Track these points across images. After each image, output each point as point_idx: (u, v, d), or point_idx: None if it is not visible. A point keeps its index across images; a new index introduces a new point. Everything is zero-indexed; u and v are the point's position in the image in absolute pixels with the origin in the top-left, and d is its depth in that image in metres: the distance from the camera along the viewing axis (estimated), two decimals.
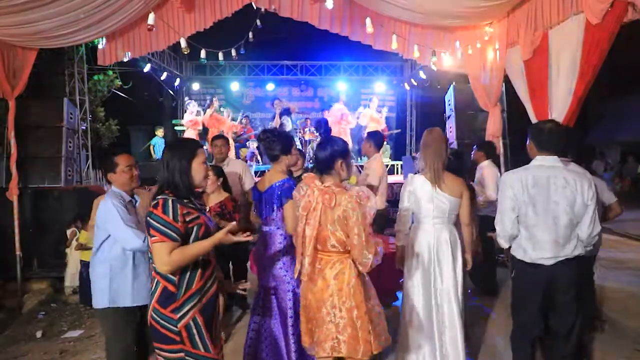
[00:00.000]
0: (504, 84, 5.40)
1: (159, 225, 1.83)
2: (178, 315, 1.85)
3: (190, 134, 8.95)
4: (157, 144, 10.12)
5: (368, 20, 5.34)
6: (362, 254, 2.07)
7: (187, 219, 1.89)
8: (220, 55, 6.54)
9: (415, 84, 10.99)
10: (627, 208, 3.57)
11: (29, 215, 5.34)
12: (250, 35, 6.51)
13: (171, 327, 1.85)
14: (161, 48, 6.18)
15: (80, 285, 4.75)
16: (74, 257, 4.98)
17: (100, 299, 2.56)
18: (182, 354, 1.86)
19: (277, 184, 2.68)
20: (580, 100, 4.06)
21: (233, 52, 6.57)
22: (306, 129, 9.21)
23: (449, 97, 6.91)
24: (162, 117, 11.69)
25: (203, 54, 6.04)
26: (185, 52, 5.64)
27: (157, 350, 1.91)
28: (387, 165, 9.42)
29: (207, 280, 1.98)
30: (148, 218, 1.87)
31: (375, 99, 10.03)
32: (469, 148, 5.52)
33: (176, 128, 10.23)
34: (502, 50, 5.03)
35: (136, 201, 2.74)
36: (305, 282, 2.25)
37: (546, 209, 2.42)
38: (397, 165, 10.30)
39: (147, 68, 8.78)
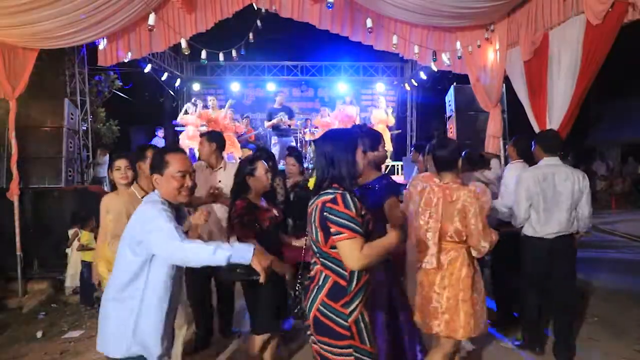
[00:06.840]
0: (504, 85, 5.40)
1: (344, 221, 1.73)
2: (349, 310, 1.81)
3: (191, 131, 8.91)
4: (158, 144, 10.13)
5: (369, 21, 5.35)
6: (479, 242, 2.33)
7: (363, 213, 1.81)
8: (221, 56, 6.55)
9: (416, 84, 10.99)
10: (627, 209, 3.57)
11: (29, 216, 5.34)
12: (251, 35, 6.53)
13: (342, 322, 1.80)
14: (162, 49, 6.19)
15: (81, 285, 4.77)
16: (74, 258, 4.98)
17: (116, 345, 1.87)
18: (351, 350, 1.81)
19: (372, 182, 2.61)
20: (579, 101, 4.06)
21: (234, 53, 6.58)
22: (306, 130, 9.20)
23: (450, 98, 6.91)
24: (163, 118, 11.70)
25: (204, 54, 6.05)
26: (186, 53, 5.65)
27: (321, 345, 1.84)
28: (387, 166, 9.47)
29: (369, 273, 1.91)
30: (327, 214, 1.75)
31: (382, 98, 9.87)
32: (469, 148, 5.49)
33: (177, 128, 10.22)
34: (502, 50, 5.04)
35: (184, 218, 2.13)
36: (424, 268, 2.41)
37: (553, 197, 3.14)
38: (398, 165, 10.27)
39: (147, 69, 8.78)
